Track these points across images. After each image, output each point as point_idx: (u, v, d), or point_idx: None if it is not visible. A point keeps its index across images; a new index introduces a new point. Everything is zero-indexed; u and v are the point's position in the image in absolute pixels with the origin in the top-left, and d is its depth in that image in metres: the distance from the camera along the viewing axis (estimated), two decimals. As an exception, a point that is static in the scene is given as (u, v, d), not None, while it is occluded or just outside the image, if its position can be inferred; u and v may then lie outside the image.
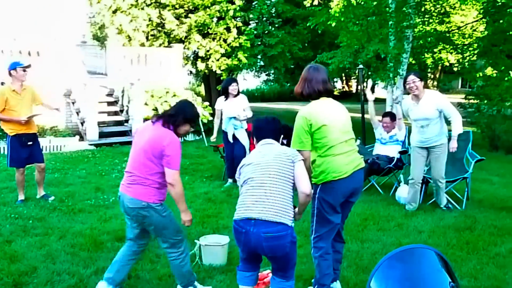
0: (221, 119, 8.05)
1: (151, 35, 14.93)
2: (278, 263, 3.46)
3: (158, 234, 3.92)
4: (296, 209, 3.55)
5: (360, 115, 10.98)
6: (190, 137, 13.32)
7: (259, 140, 3.75)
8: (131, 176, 3.81)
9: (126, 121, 12.89)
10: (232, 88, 7.81)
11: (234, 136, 7.91)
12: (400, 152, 7.60)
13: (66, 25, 17.48)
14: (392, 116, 7.88)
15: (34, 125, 6.74)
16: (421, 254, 2.50)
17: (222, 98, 8.01)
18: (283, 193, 3.41)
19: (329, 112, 3.85)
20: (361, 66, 11.39)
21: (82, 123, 12.18)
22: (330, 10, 12.18)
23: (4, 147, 10.18)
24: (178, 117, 3.84)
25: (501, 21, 13.30)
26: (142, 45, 14.57)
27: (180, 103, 4.01)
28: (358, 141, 8.45)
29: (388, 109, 12.55)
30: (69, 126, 12.55)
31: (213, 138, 8.36)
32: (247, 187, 3.48)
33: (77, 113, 12.43)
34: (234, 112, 7.80)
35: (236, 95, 7.90)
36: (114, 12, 14.00)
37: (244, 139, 7.92)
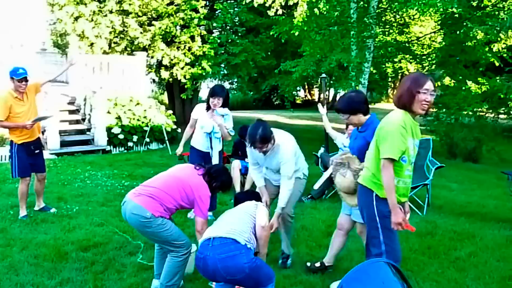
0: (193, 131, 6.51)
1: (114, 43, 14.78)
2: (247, 286, 3.51)
3: (159, 243, 4.09)
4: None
5: (322, 123, 11.12)
6: (153, 146, 13.23)
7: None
8: (148, 188, 3.99)
9: (88, 129, 12.69)
10: (213, 102, 6.10)
11: (205, 156, 6.28)
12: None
13: (25, 32, 17.15)
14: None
15: (38, 128, 6.52)
16: (375, 268, 2.56)
17: (202, 106, 6.38)
18: (241, 221, 3.74)
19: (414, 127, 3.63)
20: (323, 75, 11.56)
21: (43, 132, 11.94)
22: (293, 20, 12.33)
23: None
24: (217, 180, 4.18)
25: (458, 32, 13.74)
26: (105, 52, 14.40)
27: (219, 170, 4.29)
28: (322, 149, 8.57)
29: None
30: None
31: (178, 150, 6.77)
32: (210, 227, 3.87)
33: (38, 121, 12.15)
34: (212, 126, 6.20)
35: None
36: (76, 19, 13.80)
37: (215, 157, 6.34)
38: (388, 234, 3.66)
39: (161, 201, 3.89)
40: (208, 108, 6.17)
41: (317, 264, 4.72)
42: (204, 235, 3.67)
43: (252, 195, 4.49)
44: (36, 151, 6.44)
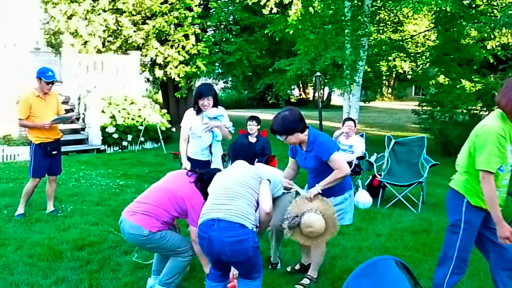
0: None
1: (108, 41, 14.75)
2: (243, 268, 3.49)
3: (163, 254, 4.10)
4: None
5: (317, 122, 11.14)
6: (148, 145, 13.21)
7: (233, 162, 3.86)
8: (141, 205, 3.93)
9: (83, 129, 12.66)
10: (203, 104, 5.30)
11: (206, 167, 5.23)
12: (358, 158, 7.76)
13: (18, 32, 17.06)
14: (353, 121, 8.08)
15: (58, 131, 6.50)
16: (383, 265, 2.57)
17: (192, 112, 5.45)
18: (246, 199, 3.51)
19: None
20: (318, 73, 11.58)
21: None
22: (288, 18, 12.33)
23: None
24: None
25: (451, 30, 13.78)
26: (99, 51, 14.37)
27: (213, 175, 4.00)
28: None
29: (345, 115, 12.77)
30: (23, 134, 12.20)
31: (184, 167, 5.25)
32: (211, 194, 3.63)
33: (32, 121, 12.11)
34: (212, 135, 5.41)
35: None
36: (70, 17, 13.76)
37: (217, 164, 5.47)
38: (465, 244, 3.56)
39: (157, 216, 3.87)
40: (199, 111, 5.34)
41: (297, 267, 4.69)
42: (206, 213, 3.49)
43: (249, 148, 4.07)
44: (54, 153, 6.39)
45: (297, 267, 4.70)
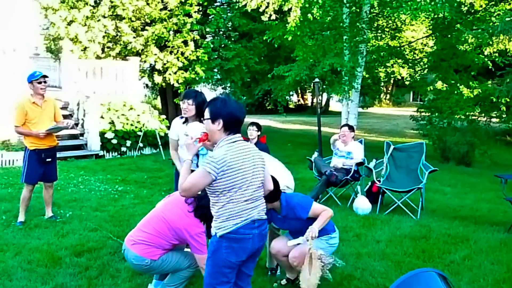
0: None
1: (107, 47, 14.77)
2: (253, 263, 3.48)
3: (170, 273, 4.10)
4: None
5: (316, 128, 11.15)
6: (147, 151, 13.21)
7: (230, 133, 3.30)
8: (142, 234, 3.95)
9: (82, 134, 12.65)
10: (182, 107, 5.00)
11: None
12: (357, 164, 7.77)
13: (18, 37, 17.07)
14: (350, 127, 8.10)
15: (54, 138, 6.50)
16: (425, 277, 2.58)
17: (178, 120, 5.26)
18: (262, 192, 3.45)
19: None
20: (316, 79, 11.60)
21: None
22: (286, 25, 12.37)
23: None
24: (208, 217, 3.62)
25: (449, 36, 13.84)
26: (98, 57, 14.40)
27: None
28: (316, 154, 8.60)
29: (343, 121, 12.80)
30: (21, 140, 12.17)
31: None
32: (235, 191, 3.21)
33: (30, 126, 12.10)
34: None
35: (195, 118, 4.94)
36: (69, 23, 13.79)
37: None
38: None
39: (157, 245, 3.89)
40: (186, 119, 5.04)
41: (283, 282, 4.61)
42: (242, 216, 3.20)
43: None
44: (48, 160, 6.36)
45: (284, 282, 4.61)
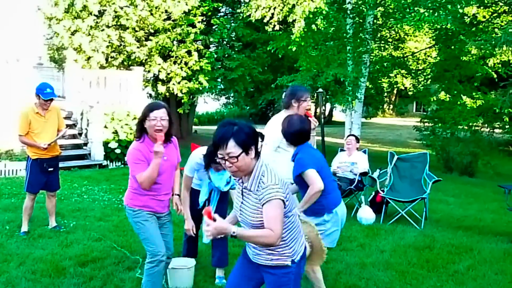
0: None
1: (111, 57, 14.84)
2: None
3: None
4: None
5: (320, 138, 11.15)
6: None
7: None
8: None
9: (85, 144, 12.67)
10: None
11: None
12: (361, 174, 7.77)
13: (21, 47, 17.18)
14: (356, 137, 8.14)
15: (57, 147, 6.52)
16: None
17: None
18: None
19: None
20: (320, 89, 11.62)
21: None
22: (291, 36, 12.43)
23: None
24: None
25: (452, 47, 13.87)
26: (102, 66, 14.45)
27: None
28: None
29: (347, 131, 12.80)
30: (25, 149, 12.19)
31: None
32: (293, 220, 2.94)
33: (34, 136, 12.13)
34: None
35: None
36: (73, 33, 13.87)
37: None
38: None
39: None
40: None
41: None
42: (300, 250, 2.98)
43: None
44: (50, 169, 6.37)
45: None
